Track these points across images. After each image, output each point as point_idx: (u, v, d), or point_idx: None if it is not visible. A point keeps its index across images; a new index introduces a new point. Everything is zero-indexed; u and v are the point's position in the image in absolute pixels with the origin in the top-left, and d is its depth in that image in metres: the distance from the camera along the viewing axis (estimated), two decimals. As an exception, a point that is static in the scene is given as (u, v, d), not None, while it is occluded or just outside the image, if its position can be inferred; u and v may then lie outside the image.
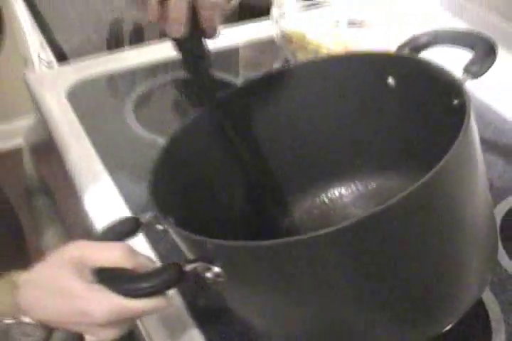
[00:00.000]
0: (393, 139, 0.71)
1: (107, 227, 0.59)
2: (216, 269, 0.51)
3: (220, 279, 0.51)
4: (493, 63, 0.60)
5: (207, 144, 0.66)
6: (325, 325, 0.57)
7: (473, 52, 0.61)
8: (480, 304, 0.70)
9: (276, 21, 1.06)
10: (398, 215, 0.48)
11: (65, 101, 1.00)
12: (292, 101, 0.73)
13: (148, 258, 0.56)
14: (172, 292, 0.62)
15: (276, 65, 1.11)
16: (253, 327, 0.62)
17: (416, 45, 0.68)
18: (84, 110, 0.98)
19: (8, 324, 0.53)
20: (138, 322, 0.72)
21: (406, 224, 0.50)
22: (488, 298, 0.71)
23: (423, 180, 0.47)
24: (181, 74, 1.07)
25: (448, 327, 0.58)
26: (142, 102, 1.02)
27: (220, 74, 1.03)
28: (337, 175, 0.77)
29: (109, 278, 0.53)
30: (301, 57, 1.05)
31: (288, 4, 1.12)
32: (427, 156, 0.50)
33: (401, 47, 0.69)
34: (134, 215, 0.59)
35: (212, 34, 0.61)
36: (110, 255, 0.54)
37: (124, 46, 1.21)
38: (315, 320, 0.56)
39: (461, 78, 0.57)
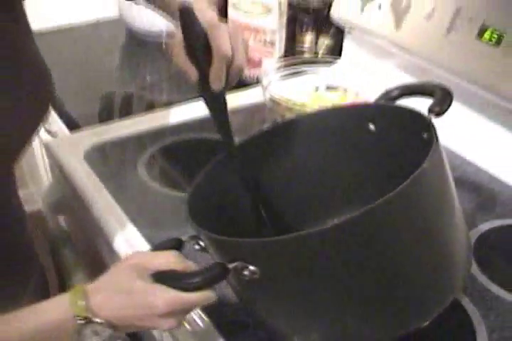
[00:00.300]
0: (378, 175, 0.84)
1: (157, 245, 0.72)
2: (251, 267, 0.64)
3: (255, 276, 0.64)
4: (450, 104, 0.74)
5: (228, 180, 0.79)
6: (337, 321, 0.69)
7: (434, 97, 0.76)
8: (463, 311, 0.83)
9: (266, 88, 1.22)
10: (376, 220, 0.62)
11: (83, 162, 1.13)
12: (289, 150, 0.87)
13: (193, 263, 0.69)
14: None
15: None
16: (279, 328, 0.74)
17: (389, 96, 0.83)
18: (102, 169, 1.11)
19: (81, 324, 0.64)
20: (170, 335, 0.83)
21: (384, 228, 0.63)
22: (469, 306, 0.84)
23: (403, 184, 0.61)
24: (177, 138, 1.22)
25: (426, 323, 0.69)
26: (152, 161, 1.15)
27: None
28: (330, 211, 0.90)
29: (166, 277, 0.65)
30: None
31: (274, 73, 1.29)
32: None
33: (378, 99, 0.84)
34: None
35: (230, 88, 0.76)
36: (165, 260, 0.67)
37: (113, 118, 1.34)
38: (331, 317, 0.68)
39: (427, 116, 0.72)
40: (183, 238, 0.72)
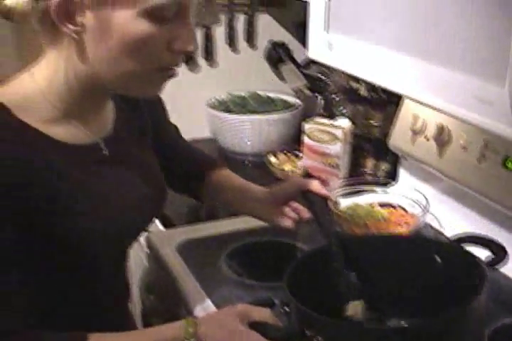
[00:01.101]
0: (433, 296, 1.04)
1: (256, 300, 0.99)
2: (320, 338, 0.86)
3: None
4: (503, 260, 0.98)
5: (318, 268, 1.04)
6: None
7: (493, 251, 1.00)
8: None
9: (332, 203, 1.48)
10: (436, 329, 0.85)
11: (176, 253, 1.40)
12: (368, 257, 1.09)
13: (279, 320, 0.94)
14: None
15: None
16: None
17: (459, 240, 1.06)
18: (191, 260, 1.37)
19: None
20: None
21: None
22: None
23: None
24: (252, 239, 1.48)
25: None
26: (231, 256, 1.41)
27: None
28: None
29: (260, 327, 0.91)
30: (346, 227, 1.44)
31: (338, 191, 1.55)
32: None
33: (450, 240, 1.07)
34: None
35: None
36: (261, 314, 0.93)
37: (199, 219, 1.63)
38: None
39: (483, 264, 0.95)
40: (275, 301, 0.97)
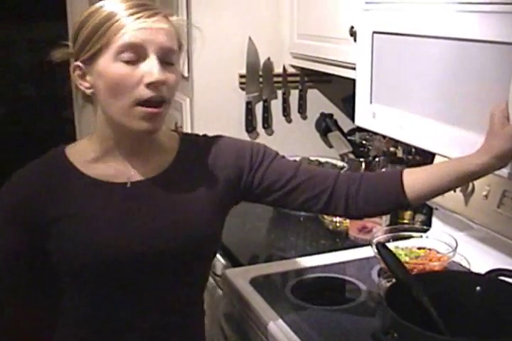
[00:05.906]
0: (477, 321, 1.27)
1: None
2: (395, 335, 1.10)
3: None
4: None
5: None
6: None
7: None
8: None
9: (375, 247, 1.76)
10: None
11: (249, 286, 1.70)
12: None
13: None
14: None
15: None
16: None
17: (496, 273, 1.34)
18: (263, 292, 1.67)
19: None
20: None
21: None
22: None
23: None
24: (311, 275, 1.77)
25: None
26: (296, 287, 1.70)
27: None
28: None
29: None
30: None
31: (381, 237, 1.84)
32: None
33: (488, 272, 1.35)
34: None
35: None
36: None
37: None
38: None
39: None
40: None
